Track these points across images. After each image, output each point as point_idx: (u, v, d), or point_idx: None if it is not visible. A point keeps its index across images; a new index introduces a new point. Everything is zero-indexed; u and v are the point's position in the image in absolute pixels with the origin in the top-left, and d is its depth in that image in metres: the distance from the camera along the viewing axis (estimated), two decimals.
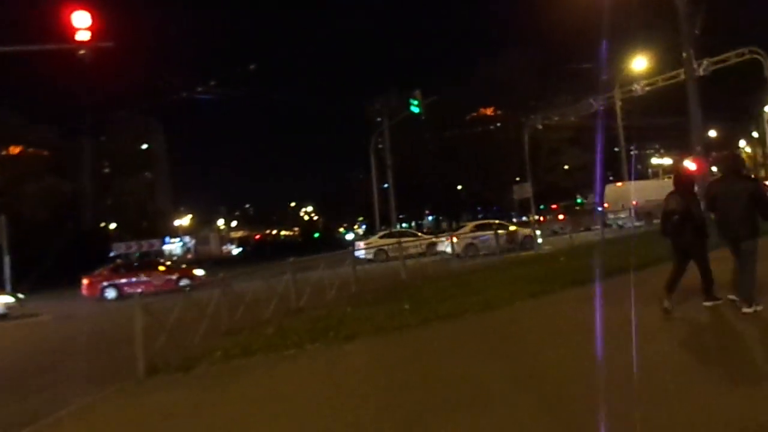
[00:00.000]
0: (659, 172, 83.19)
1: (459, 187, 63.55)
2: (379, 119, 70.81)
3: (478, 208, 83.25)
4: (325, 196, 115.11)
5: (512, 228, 24.27)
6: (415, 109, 28.64)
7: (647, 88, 32.31)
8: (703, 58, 26.66)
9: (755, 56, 26.39)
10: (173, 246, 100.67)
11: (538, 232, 24.73)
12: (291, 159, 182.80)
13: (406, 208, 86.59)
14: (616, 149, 58.05)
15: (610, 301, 7.35)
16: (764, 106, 63.91)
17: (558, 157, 47.22)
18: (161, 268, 24.17)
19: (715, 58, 27.58)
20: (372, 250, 24.12)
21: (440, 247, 23.56)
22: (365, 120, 59.74)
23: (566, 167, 49.84)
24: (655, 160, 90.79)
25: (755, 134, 76.75)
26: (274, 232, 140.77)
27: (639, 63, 33.88)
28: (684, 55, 21.83)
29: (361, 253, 22.82)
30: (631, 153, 52.61)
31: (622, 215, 32.72)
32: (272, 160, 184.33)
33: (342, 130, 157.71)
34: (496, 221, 25.31)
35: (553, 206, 32.33)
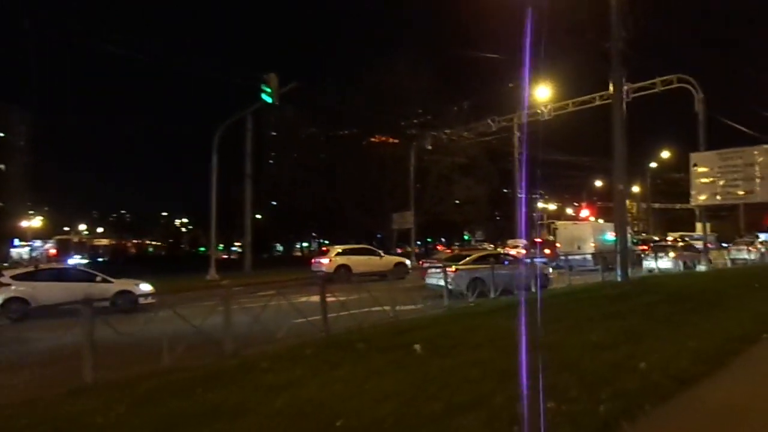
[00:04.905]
0: (543, 216, 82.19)
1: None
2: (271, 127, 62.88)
3: (363, 236, 76.42)
4: (200, 207, 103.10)
5: None
6: (268, 98, 21.60)
7: (554, 113, 27.38)
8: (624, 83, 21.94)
9: (684, 86, 21.89)
10: (22, 250, 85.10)
11: None
12: (176, 166, 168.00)
13: (287, 229, 78.33)
14: (505, 190, 54.03)
15: None
16: (651, 161, 63.44)
17: (449, 186, 41.77)
18: None
19: (637, 84, 22.95)
20: None
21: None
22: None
23: (457, 201, 44.64)
24: (540, 205, 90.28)
25: (636, 188, 77.67)
26: (147, 242, 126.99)
27: (547, 88, 28.99)
28: (612, 68, 16.25)
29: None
30: (519, 196, 48.82)
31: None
32: (157, 167, 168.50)
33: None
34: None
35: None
